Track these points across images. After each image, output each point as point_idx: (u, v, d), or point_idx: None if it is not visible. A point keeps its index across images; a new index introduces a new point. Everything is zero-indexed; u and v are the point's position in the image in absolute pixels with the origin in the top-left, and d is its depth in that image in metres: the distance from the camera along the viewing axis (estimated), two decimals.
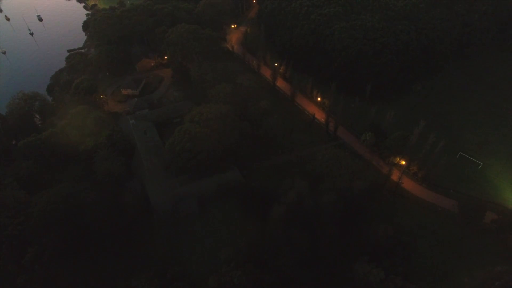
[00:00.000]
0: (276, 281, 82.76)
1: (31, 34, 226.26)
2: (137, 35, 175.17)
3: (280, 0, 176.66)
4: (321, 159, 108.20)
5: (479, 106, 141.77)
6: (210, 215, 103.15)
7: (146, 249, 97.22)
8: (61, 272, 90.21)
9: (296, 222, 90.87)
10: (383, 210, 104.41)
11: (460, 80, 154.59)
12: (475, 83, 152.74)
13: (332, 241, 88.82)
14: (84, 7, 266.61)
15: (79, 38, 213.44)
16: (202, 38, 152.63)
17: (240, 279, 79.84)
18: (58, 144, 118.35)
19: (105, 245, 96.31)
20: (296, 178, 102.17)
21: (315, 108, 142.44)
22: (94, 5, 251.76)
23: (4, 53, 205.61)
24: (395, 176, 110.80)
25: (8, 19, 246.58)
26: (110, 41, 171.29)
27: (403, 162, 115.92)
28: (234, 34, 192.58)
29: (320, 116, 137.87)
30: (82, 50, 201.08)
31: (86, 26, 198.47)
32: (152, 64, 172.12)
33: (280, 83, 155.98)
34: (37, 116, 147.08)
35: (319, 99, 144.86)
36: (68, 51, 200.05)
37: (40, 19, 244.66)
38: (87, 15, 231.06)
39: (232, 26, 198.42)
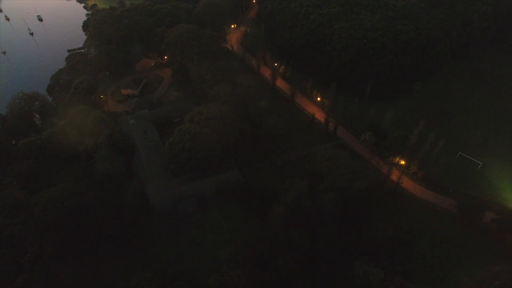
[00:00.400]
0: (275, 280, 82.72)
1: (31, 34, 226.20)
2: (137, 35, 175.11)
3: (280, 0, 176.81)
4: (320, 159, 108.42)
5: (479, 105, 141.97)
6: (210, 215, 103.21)
7: (146, 248, 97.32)
8: (61, 271, 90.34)
9: (295, 222, 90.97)
10: (382, 210, 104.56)
11: (460, 80, 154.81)
12: (474, 83, 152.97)
13: (332, 241, 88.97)
14: (84, 7, 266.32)
15: (79, 38, 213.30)
16: (202, 38, 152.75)
17: (240, 278, 79.92)
18: (58, 144, 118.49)
19: (105, 245, 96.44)
20: (296, 178, 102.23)
21: (315, 108, 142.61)
22: (94, 5, 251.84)
23: (4, 53, 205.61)
24: (394, 175, 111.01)
25: (8, 19, 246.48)
26: (110, 41, 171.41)
27: (402, 162, 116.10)
28: (234, 34, 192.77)
29: (320, 116, 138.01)
30: (82, 50, 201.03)
31: (86, 26, 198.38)
32: (152, 64, 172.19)
33: (280, 83, 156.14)
34: (37, 116, 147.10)
35: (318, 99, 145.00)
36: (68, 51, 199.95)
37: (40, 19, 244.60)
38: (87, 15, 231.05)
39: (232, 26, 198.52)
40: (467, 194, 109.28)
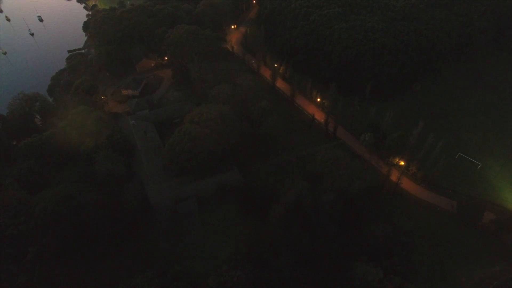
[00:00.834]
0: (275, 280, 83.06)
1: (32, 34, 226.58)
2: (137, 35, 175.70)
3: (280, 0, 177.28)
4: (320, 159, 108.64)
5: (478, 106, 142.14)
6: (210, 215, 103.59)
7: (147, 248, 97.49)
8: (61, 272, 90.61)
9: (295, 222, 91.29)
10: (382, 210, 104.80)
11: (459, 80, 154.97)
12: (474, 83, 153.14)
13: (331, 241, 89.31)
14: (84, 7, 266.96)
15: (79, 39, 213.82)
16: (202, 39, 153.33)
17: (240, 278, 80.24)
18: (58, 144, 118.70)
19: (105, 245, 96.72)
20: (296, 178, 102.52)
21: (314, 109, 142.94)
22: (95, 5, 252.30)
23: (4, 53, 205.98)
24: (394, 176, 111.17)
25: (8, 19, 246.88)
26: (110, 42, 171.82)
27: (402, 163, 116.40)
28: (234, 34, 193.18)
29: (319, 116, 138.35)
30: (83, 51, 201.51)
31: (86, 26, 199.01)
32: (152, 64, 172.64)
33: (280, 84, 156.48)
34: (38, 117, 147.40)
35: (318, 99, 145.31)
36: (69, 51, 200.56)
37: (41, 20, 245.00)
38: (87, 15, 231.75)
39: (232, 26, 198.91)
40: (467, 194, 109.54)
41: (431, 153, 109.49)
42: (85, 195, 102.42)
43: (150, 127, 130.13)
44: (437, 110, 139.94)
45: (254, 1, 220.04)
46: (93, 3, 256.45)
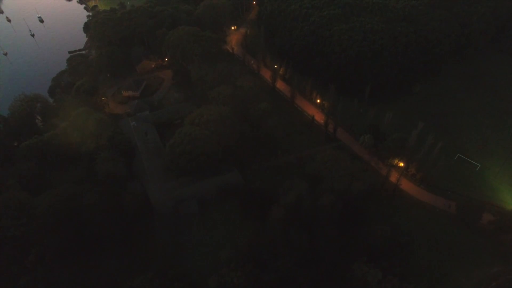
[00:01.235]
0: (275, 281, 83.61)
1: (32, 35, 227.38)
2: (137, 36, 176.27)
3: (280, 2, 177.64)
4: (320, 160, 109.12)
5: (478, 107, 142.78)
6: (210, 216, 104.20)
7: (147, 249, 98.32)
8: (63, 272, 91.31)
9: (295, 223, 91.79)
10: (381, 211, 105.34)
11: (459, 82, 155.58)
12: (473, 85, 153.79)
13: (331, 242, 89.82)
14: (85, 8, 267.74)
15: (80, 39, 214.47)
16: (202, 40, 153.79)
17: (240, 279, 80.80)
18: (59, 145, 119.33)
19: (106, 246, 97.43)
20: (296, 180, 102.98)
21: (314, 110, 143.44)
22: (95, 6, 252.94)
23: (5, 54, 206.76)
24: (393, 177, 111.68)
25: (9, 20, 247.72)
26: (111, 43, 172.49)
27: (401, 164, 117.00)
28: (234, 35, 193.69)
29: (319, 117, 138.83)
30: (83, 52, 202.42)
31: (87, 27, 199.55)
32: (153, 65, 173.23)
33: (280, 85, 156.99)
34: (39, 118, 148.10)
35: (318, 100, 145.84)
36: (69, 52, 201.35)
37: (41, 21, 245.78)
38: (88, 16, 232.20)
39: (232, 27, 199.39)
40: (466, 195, 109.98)
41: (430, 154, 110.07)
42: (86, 196, 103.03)
43: (150, 128, 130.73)
44: (437, 111, 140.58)
45: (254, 2, 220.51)
46: (94, 4, 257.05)
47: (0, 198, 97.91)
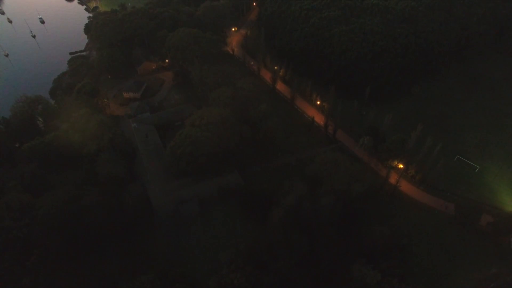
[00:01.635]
0: (275, 282, 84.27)
1: (33, 36, 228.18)
2: (138, 38, 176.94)
3: (280, 3, 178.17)
4: (320, 162, 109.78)
5: (477, 108, 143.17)
6: (210, 217, 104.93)
7: (148, 250, 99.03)
8: (65, 273, 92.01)
9: (295, 225, 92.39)
10: (380, 213, 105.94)
11: (458, 83, 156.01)
12: (473, 86, 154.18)
13: (330, 244, 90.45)
14: (86, 9, 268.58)
15: (81, 40, 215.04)
16: (203, 42, 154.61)
17: (240, 280, 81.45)
18: (61, 147, 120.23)
19: (107, 247, 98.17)
20: (295, 181, 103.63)
21: (314, 111, 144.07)
22: (96, 7, 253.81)
23: (6, 55, 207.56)
24: (393, 179, 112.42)
25: (10, 21, 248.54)
26: (112, 44, 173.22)
27: (401, 165, 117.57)
28: (235, 37, 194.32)
29: (319, 119, 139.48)
30: (84, 53, 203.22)
31: (88, 29, 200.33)
32: (153, 67, 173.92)
33: (280, 86, 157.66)
34: (40, 119, 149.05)
35: (318, 102, 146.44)
36: (70, 53, 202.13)
37: (42, 22, 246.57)
38: (88, 18, 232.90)
39: (233, 29, 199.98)
40: (465, 197, 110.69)
41: (430, 155, 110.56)
42: (88, 197, 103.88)
43: (151, 130, 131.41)
44: (436, 113, 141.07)
45: (254, 4, 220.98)
46: (95, 5, 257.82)
47: (2, 199, 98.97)
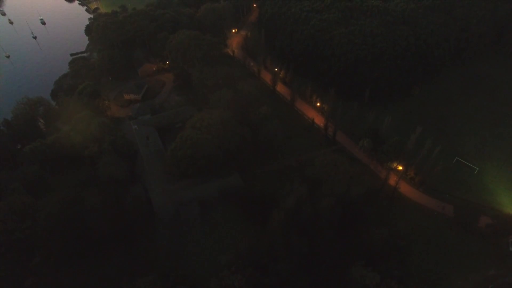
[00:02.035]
0: (275, 284, 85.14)
1: (34, 38, 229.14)
2: (139, 40, 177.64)
3: (280, 5, 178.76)
4: (319, 164, 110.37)
5: (476, 110, 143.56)
6: (211, 219, 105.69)
7: (149, 252, 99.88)
8: (66, 274, 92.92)
9: (295, 227, 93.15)
10: (380, 215, 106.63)
11: (458, 85, 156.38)
12: (472, 88, 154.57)
13: (330, 245, 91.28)
14: (86, 10, 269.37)
15: (82, 41, 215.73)
16: (203, 44, 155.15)
17: (240, 282, 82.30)
18: (62, 149, 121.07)
19: (109, 248, 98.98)
20: (295, 183, 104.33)
21: (314, 113, 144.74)
22: (97, 8, 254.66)
23: (8, 57, 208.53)
24: (392, 180, 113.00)
25: (11, 22, 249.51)
26: (113, 46, 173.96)
27: (400, 167, 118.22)
28: (235, 38, 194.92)
29: (319, 120, 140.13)
30: (85, 54, 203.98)
31: (88, 30, 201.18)
32: (154, 69, 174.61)
33: (280, 88, 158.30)
34: (42, 121, 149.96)
35: (318, 104, 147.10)
36: (71, 54, 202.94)
37: (43, 23, 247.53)
38: (89, 19, 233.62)
39: (233, 30, 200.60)
40: (464, 199, 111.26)
41: (429, 157, 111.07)
42: (89, 199, 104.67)
43: (152, 131, 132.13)
44: (435, 114, 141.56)
45: (254, 5, 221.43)
46: (95, 6, 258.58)
47: (5, 201, 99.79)
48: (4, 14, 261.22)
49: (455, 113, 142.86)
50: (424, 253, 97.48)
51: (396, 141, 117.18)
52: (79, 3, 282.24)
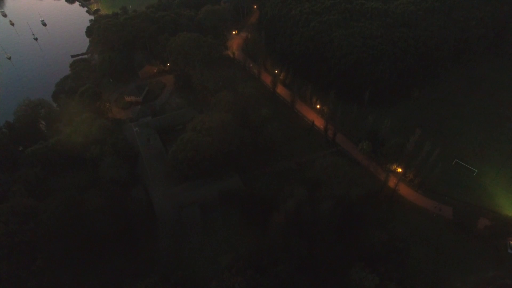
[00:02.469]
0: (275, 286, 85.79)
1: (36, 39, 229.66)
2: (140, 42, 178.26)
3: (280, 7, 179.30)
4: (319, 166, 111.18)
5: (476, 112, 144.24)
6: (212, 221, 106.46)
7: (150, 254, 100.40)
8: (69, 277, 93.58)
9: (294, 229, 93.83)
10: (379, 216, 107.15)
11: (457, 86, 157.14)
12: (472, 89, 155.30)
13: (329, 248, 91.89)
14: (87, 11, 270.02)
15: (82, 43, 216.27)
16: (204, 46, 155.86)
17: (241, 284, 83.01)
18: (64, 151, 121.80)
19: (110, 250, 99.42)
20: (295, 185, 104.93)
21: (314, 115, 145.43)
22: (97, 9, 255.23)
23: (9, 58, 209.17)
24: (391, 183, 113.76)
25: (12, 24, 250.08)
26: (113, 48, 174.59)
27: (399, 169, 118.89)
28: (235, 40, 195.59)
29: (319, 122, 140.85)
30: (86, 56, 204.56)
31: (89, 32, 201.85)
32: (155, 70, 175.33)
33: (280, 90, 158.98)
34: (43, 123, 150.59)
35: (318, 106, 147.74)
36: (72, 56, 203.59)
37: (44, 24, 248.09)
38: (90, 20, 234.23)
39: (233, 32, 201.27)
40: (463, 201, 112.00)
41: (428, 159, 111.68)
42: (90, 201, 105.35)
43: (153, 134, 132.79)
44: (435, 116, 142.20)
45: (255, 7, 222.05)
46: (96, 8, 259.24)
47: (7, 203, 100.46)
48: (5, 16, 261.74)
49: (454, 115, 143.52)
50: (423, 255, 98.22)
51: (396, 143, 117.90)
52: (79, 4, 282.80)
